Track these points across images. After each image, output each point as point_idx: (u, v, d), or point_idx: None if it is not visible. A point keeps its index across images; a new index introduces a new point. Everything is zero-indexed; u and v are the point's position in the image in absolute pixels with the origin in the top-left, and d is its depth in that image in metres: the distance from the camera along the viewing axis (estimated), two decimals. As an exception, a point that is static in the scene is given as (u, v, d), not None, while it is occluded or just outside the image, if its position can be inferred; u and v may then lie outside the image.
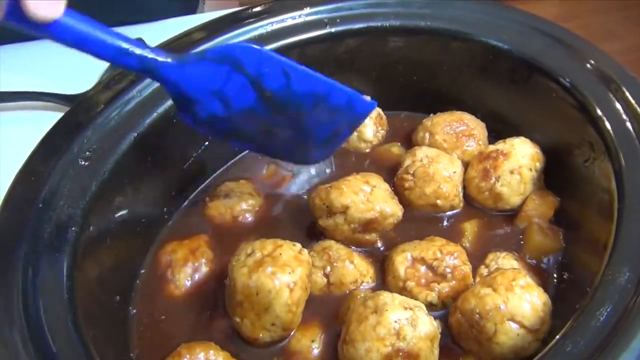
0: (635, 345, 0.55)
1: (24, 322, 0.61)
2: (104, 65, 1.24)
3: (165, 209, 0.92)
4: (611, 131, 0.76)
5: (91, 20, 0.61)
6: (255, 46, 0.68)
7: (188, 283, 0.83)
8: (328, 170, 0.99)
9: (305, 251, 0.77)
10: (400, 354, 0.67)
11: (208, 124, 0.73)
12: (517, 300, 0.70)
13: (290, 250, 0.75)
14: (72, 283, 0.66)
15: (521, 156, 0.87)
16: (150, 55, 0.64)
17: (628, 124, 0.76)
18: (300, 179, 0.98)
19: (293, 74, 0.68)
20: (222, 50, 0.67)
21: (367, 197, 0.82)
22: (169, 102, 0.85)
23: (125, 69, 0.68)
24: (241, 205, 0.91)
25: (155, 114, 0.83)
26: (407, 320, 0.68)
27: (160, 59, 0.65)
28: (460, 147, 0.95)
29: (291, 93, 0.70)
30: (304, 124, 0.74)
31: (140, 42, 0.65)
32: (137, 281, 0.85)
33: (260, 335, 0.74)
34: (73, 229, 0.70)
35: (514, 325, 0.69)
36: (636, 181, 0.71)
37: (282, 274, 0.71)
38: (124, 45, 0.62)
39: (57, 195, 0.72)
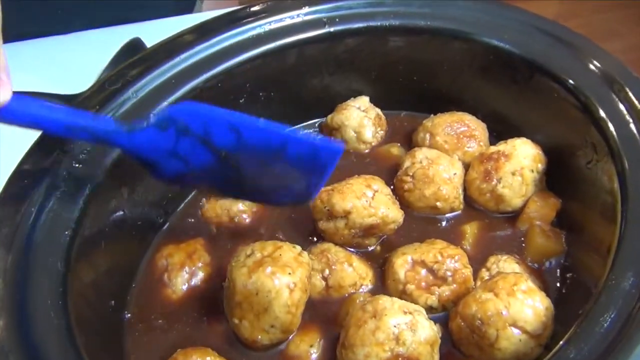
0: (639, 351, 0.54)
1: (15, 329, 0.60)
2: (102, 64, 1.24)
3: (161, 212, 0.90)
4: (614, 133, 0.75)
5: (38, 101, 0.63)
6: (196, 106, 0.67)
7: (185, 287, 0.82)
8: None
9: (305, 253, 0.76)
10: (400, 359, 0.66)
11: (177, 180, 0.75)
12: (519, 305, 0.69)
13: (290, 251, 0.74)
14: (65, 288, 0.65)
15: (523, 157, 0.86)
16: (100, 127, 0.67)
17: (632, 126, 0.75)
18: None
19: (242, 129, 0.66)
20: (164, 115, 0.67)
21: (369, 202, 0.81)
22: (165, 103, 0.83)
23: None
24: (238, 206, 0.90)
25: (151, 115, 0.82)
26: (407, 324, 0.67)
27: (109, 129, 0.67)
28: (462, 148, 0.94)
29: (245, 148, 0.67)
30: (271, 174, 0.71)
31: (89, 115, 0.68)
32: (133, 285, 0.83)
33: (259, 337, 0.72)
34: (66, 232, 0.69)
35: (515, 331, 0.68)
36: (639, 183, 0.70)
37: (282, 275, 0.70)
38: (73, 121, 0.65)
39: (50, 198, 0.70)
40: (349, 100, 1.02)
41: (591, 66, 0.82)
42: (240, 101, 0.94)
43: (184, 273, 0.83)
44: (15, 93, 0.61)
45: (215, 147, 0.68)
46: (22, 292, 0.63)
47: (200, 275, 0.83)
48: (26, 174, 0.72)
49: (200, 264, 0.84)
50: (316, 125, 1.05)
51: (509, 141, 0.89)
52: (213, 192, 0.87)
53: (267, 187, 0.75)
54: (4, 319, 0.60)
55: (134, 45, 1.22)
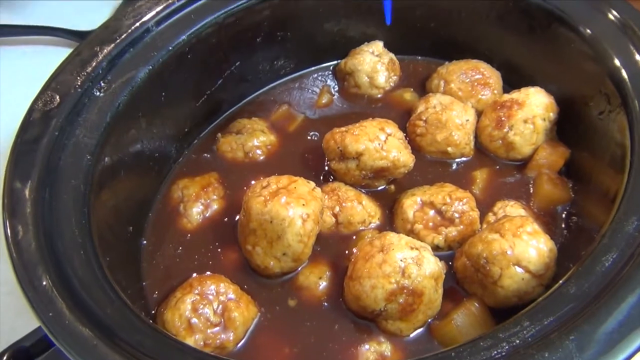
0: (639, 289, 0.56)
1: (42, 244, 0.62)
2: (116, 2, 1.24)
3: (178, 145, 0.93)
4: (629, 83, 0.75)
5: None
6: None
7: (199, 218, 0.85)
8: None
9: (319, 189, 0.78)
10: (405, 291, 0.68)
11: None
12: (524, 245, 0.71)
13: (304, 186, 0.76)
14: (88, 208, 0.67)
15: (535, 106, 0.86)
16: None
17: (646, 75, 0.75)
18: (312, 121, 0.98)
19: None
20: None
21: (381, 145, 0.82)
22: (183, 37, 0.84)
23: None
24: (253, 141, 0.92)
25: (170, 48, 0.83)
26: (413, 259, 0.69)
27: None
28: (475, 96, 0.95)
29: None
30: None
31: None
32: (150, 214, 0.86)
33: (271, 263, 0.75)
34: (88, 157, 0.71)
35: (519, 270, 0.70)
36: (650, 134, 0.71)
37: (297, 205, 0.73)
38: None
39: (72, 124, 0.72)
40: (362, 45, 1.02)
41: (610, 16, 0.82)
42: (258, 40, 0.95)
43: (199, 205, 0.85)
44: None
45: None
46: (48, 210, 0.65)
47: (215, 207, 0.86)
48: (50, 98, 0.73)
49: (214, 197, 0.86)
50: (330, 68, 1.06)
51: (523, 90, 0.89)
52: None
53: None
54: (32, 234, 0.63)
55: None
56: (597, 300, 0.57)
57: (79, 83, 0.75)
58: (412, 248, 0.71)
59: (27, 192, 0.65)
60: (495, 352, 0.55)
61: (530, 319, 0.57)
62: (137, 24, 0.82)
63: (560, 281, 0.61)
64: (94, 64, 0.77)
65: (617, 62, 0.78)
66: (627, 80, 0.76)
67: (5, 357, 0.62)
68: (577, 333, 0.54)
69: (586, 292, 0.58)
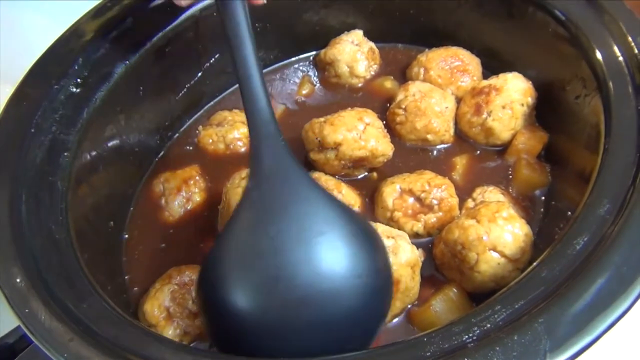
0: (608, 271, 0.57)
1: (17, 241, 0.62)
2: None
3: (158, 139, 0.93)
4: (604, 67, 0.75)
5: None
6: None
7: (181, 211, 0.86)
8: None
9: None
10: (383, 279, 0.69)
11: None
12: (499, 230, 0.71)
13: None
14: (65, 205, 0.68)
15: (513, 91, 0.87)
16: None
17: (620, 59, 0.75)
18: (293, 112, 0.98)
19: None
20: None
21: (359, 135, 0.83)
22: (161, 32, 0.84)
23: None
24: (234, 133, 0.92)
25: (147, 43, 0.83)
26: (389, 248, 0.70)
27: None
28: (455, 83, 0.95)
29: None
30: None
31: None
32: (131, 208, 0.87)
33: None
34: (65, 154, 0.71)
35: (495, 255, 0.71)
36: (624, 117, 0.71)
37: None
38: None
39: (48, 121, 0.72)
40: (342, 35, 1.02)
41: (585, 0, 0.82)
42: (236, 31, 0.94)
43: (181, 197, 0.86)
44: None
45: None
46: (25, 208, 0.65)
47: (196, 199, 0.87)
48: (24, 97, 0.74)
49: (196, 190, 0.87)
50: (311, 58, 1.06)
51: (501, 75, 0.90)
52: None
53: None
54: (8, 232, 0.63)
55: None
56: (567, 282, 0.57)
57: (54, 80, 0.75)
58: (388, 237, 0.71)
59: (2, 190, 0.66)
60: (467, 336, 0.55)
61: (502, 302, 0.57)
62: (112, 20, 0.82)
63: (533, 264, 0.62)
64: (70, 60, 0.77)
65: (591, 44, 0.78)
66: (602, 63, 0.76)
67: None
68: (546, 315, 0.54)
69: (557, 275, 0.58)
